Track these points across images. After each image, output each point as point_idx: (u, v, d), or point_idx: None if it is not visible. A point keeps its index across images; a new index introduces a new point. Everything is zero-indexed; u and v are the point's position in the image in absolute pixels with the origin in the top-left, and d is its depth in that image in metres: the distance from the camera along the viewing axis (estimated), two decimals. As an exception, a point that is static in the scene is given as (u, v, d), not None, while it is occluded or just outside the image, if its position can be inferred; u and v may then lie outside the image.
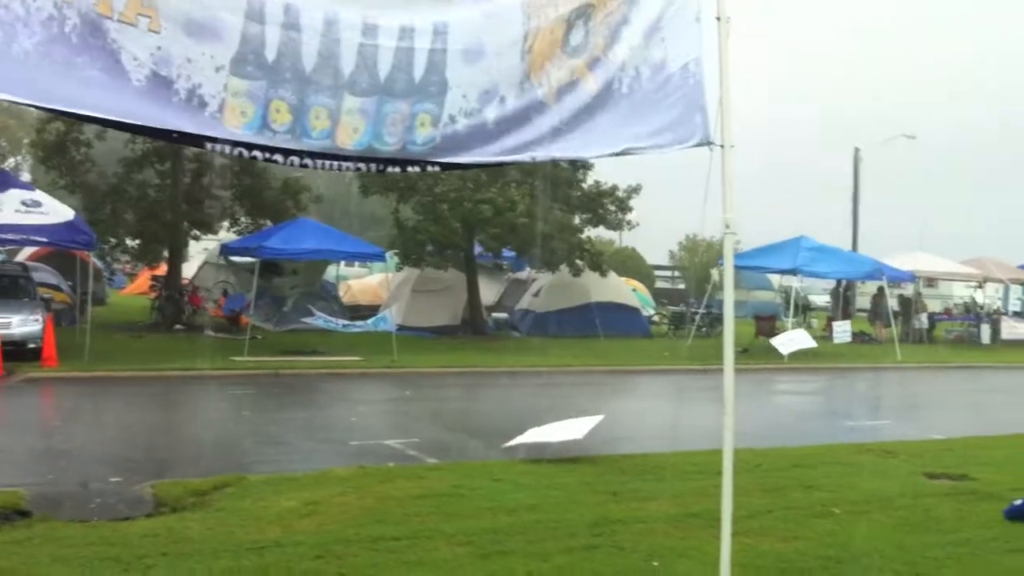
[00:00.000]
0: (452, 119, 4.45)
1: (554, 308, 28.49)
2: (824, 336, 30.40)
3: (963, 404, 20.21)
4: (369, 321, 21.93)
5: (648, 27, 4.75)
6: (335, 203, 47.07)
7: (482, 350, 23.91)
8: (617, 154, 4.66)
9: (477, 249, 27.09)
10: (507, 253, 27.96)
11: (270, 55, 4.11)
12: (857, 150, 37.53)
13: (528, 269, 30.32)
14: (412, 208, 26.43)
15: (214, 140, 4.11)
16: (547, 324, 27.98)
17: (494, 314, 29.98)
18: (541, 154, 4.62)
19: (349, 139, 4.32)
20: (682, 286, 43.18)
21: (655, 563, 6.55)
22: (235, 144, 4.17)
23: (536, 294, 29.42)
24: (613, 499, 8.59)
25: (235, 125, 4.11)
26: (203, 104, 4.03)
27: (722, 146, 4.76)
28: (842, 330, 28.82)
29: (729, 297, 4.94)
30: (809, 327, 33.36)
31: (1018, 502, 8.18)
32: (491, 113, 4.50)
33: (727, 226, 4.72)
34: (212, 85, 4.04)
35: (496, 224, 24.14)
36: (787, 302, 32.63)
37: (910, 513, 8.27)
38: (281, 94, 4.15)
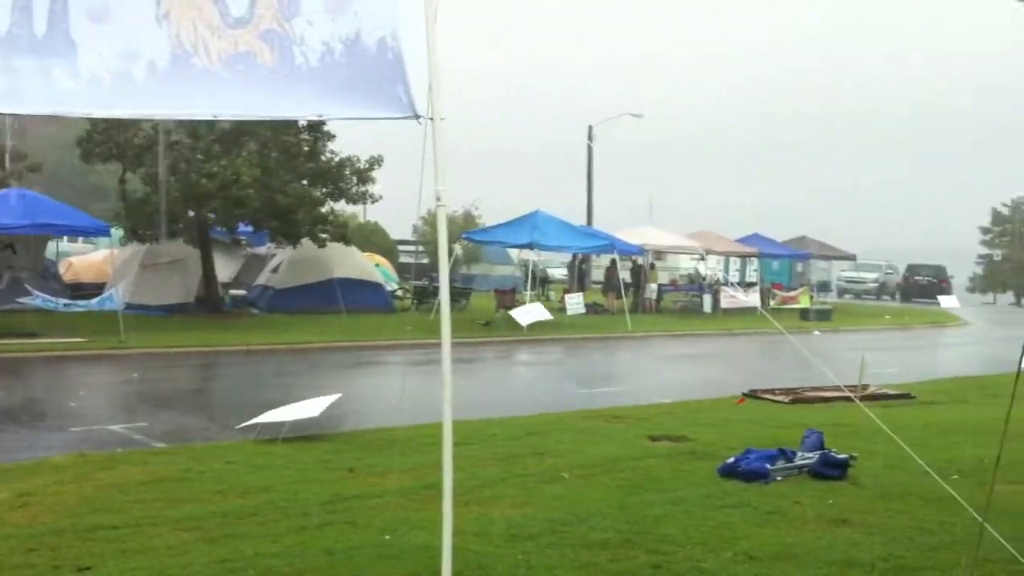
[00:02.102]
0: (94, 76, 4.34)
1: (294, 284, 27.89)
2: (561, 308, 31.51)
3: (685, 370, 21.53)
4: (94, 300, 20.71)
5: (334, 1, 4.69)
6: (55, 173, 43.75)
7: (218, 328, 23.07)
8: (316, 118, 4.74)
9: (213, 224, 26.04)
10: (244, 228, 27.03)
11: None
12: (591, 128, 39.06)
13: (268, 244, 29.54)
14: (141, 179, 25.02)
15: None
16: (287, 300, 27.34)
17: (231, 291, 29.00)
18: (222, 113, 4.60)
19: None
20: (426, 260, 43.35)
21: (387, 536, 6.54)
22: None
23: (275, 270, 28.70)
24: (349, 475, 8.53)
25: None
26: None
27: (431, 119, 4.76)
28: (574, 302, 29.65)
29: (444, 267, 4.98)
30: (547, 299, 34.51)
31: (730, 460, 8.79)
32: (139, 73, 4.42)
33: (438, 198, 4.75)
34: None
35: (221, 196, 23.17)
36: (526, 275, 33.56)
37: (633, 474, 8.67)
38: None
